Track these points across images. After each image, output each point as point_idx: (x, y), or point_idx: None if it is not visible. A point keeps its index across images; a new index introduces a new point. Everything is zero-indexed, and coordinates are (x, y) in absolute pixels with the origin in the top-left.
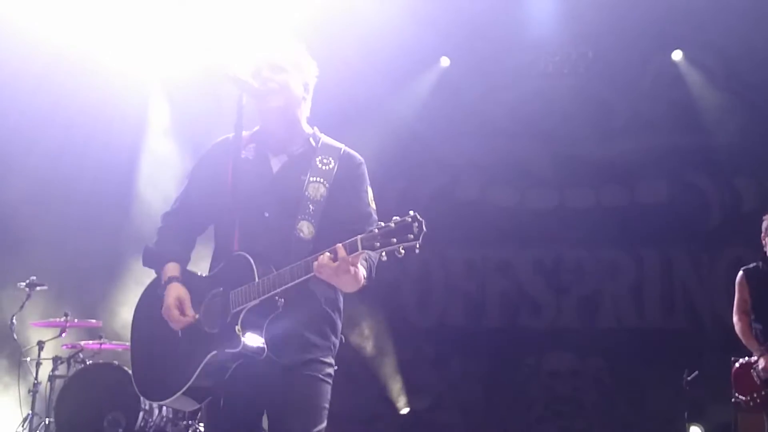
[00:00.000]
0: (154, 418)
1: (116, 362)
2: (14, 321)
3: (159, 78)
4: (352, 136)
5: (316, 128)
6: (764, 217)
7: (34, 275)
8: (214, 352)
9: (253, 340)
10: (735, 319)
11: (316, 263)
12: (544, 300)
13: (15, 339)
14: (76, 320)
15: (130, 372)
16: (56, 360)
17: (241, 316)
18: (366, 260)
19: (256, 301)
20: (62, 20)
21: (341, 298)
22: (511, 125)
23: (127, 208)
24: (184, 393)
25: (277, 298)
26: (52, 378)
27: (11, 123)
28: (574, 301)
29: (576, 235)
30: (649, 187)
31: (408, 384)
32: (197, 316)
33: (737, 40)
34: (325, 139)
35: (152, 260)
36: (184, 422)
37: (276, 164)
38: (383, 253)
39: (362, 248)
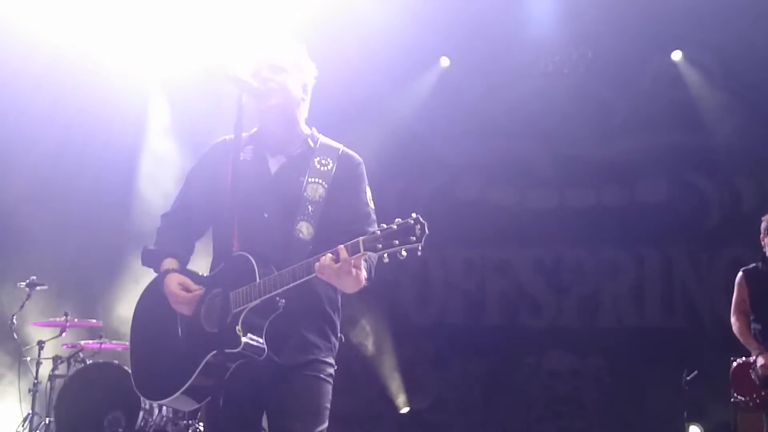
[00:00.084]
0: (154, 417)
1: (116, 362)
2: (14, 320)
3: (159, 78)
4: (352, 136)
5: (314, 129)
6: (763, 218)
7: (34, 275)
8: (215, 352)
9: (253, 340)
10: (732, 319)
11: (317, 264)
12: (544, 300)
13: (15, 338)
14: (76, 320)
15: (130, 371)
16: (56, 359)
17: (242, 316)
18: (366, 260)
19: (257, 302)
20: (62, 20)
21: (340, 298)
22: (511, 125)
23: (128, 208)
24: (183, 392)
25: (277, 298)
26: (52, 377)
27: (11, 122)
28: (574, 300)
29: (576, 234)
30: (648, 186)
31: (407, 383)
32: (203, 289)
33: (736, 40)
34: (324, 139)
35: (151, 259)
36: (184, 422)
37: (274, 165)
38: (385, 255)
39: (364, 250)
